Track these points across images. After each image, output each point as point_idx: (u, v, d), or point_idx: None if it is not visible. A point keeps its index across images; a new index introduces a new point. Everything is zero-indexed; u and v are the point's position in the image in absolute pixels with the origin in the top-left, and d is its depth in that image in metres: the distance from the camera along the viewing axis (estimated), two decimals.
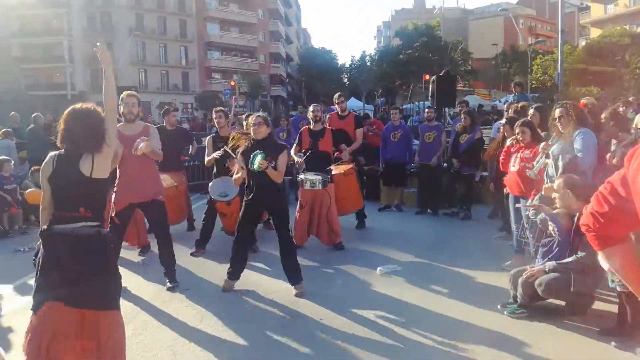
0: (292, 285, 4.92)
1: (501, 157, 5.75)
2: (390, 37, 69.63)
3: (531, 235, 4.69)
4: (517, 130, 5.34)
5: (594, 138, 4.75)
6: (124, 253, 6.31)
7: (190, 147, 8.00)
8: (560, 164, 4.69)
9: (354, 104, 26.26)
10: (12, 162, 8.39)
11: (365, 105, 28.45)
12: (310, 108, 6.71)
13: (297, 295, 4.81)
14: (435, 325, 4.16)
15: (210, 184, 6.49)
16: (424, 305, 4.62)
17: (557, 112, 4.82)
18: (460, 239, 7.04)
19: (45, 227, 2.91)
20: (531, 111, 5.86)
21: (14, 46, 43.67)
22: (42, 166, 3.01)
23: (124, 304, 4.63)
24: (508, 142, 5.62)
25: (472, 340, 3.87)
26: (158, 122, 10.45)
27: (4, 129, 10.00)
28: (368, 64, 56.67)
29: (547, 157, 4.70)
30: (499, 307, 4.50)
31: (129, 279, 5.44)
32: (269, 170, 4.66)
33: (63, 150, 3.00)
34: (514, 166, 5.37)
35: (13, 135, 9.95)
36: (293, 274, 4.93)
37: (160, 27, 47.89)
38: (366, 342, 3.88)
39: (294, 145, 6.74)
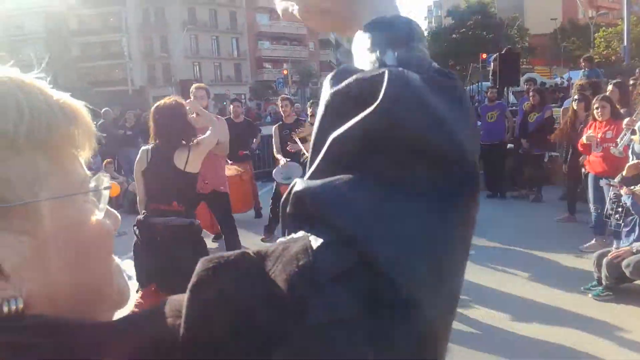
0: None
1: (579, 141, 5.45)
2: (442, 16, 67.72)
3: (618, 216, 4.49)
4: (595, 106, 5.09)
5: None
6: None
7: (255, 140, 8.02)
8: None
9: None
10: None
11: None
12: None
13: None
14: (516, 310, 4.07)
15: (274, 170, 6.59)
16: (501, 289, 4.54)
17: None
18: (532, 222, 6.83)
19: (141, 217, 3.07)
20: (610, 87, 5.57)
21: (73, 45, 45.66)
22: (136, 160, 3.15)
23: None
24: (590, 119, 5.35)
25: (556, 324, 3.77)
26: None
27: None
28: None
29: (633, 133, 4.47)
30: (582, 289, 4.36)
31: None
32: None
33: (154, 143, 3.13)
34: (597, 147, 5.12)
35: None
36: None
37: (211, 19, 48.71)
38: None
39: None
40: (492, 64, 11.83)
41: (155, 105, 3.18)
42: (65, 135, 0.51)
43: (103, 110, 10.83)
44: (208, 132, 3.36)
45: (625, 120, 4.50)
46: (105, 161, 9.40)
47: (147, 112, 12.82)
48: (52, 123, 0.49)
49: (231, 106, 7.70)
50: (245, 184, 7.35)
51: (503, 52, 11.15)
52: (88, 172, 0.54)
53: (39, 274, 0.47)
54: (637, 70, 9.05)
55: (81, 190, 0.52)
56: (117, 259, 0.58)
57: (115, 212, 0.59)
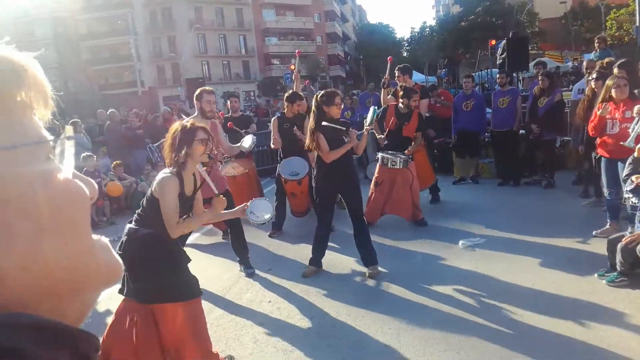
0: (365, 266, 4.83)
1: (591, 121, 5.27)
2: (450, 4, 67.06)
3: (635, 199, 4.33)
4: (615, 84, 4.89)
5: None
6: (203, 239, 6.53)
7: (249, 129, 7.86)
8: None
9: (415, 77, 25.31)
10: (95, 157, 8.80)
11: (428, 77, 27.67)
12: (406, 95, 6.18)
13: (370, 276, 4.72)
14: (528, 299, 3.97)
15: (279, 165, 6.53)
16: (512, 278, 4.42)
17: None
18: (544, 208, 6.68)
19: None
20: (615, 70, 5.37)
21: (83, 49, 46.00)
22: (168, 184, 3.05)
23: (213, 286, 4.81)
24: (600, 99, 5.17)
25: (569, 312, 3.66)
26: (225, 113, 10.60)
27: (73, 120, 10.45)
28: (427, 34, 55.00)
29: None
30: (595, 276, 4.24)
31: (214, 262, 5.62)
32: (365, 136, 4.80)
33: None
34: (612, 129, 4.95)
35: (81, 127, 10.34)
36: (366, 255, 4.83)
37: (218, 18, 48.72)
38: (453, 319, 3.77)
39: (374, 118, 6.47)
40: (499, 49, 11.62)
41: (183, 123, 3.18)
42: (10, 93, 0.50)
43: (109, 111, 10.83)
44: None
45: (636, 108, 4.32)
46: (114, 163, 9.42)
47: (153, 112, 12.88)
48: None
49: (228, 102, 7.67)
50: (251, 181, 7.30)
51: (511, 36, 10.95)
52: (47, 134, 0.53)
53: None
54: None
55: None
56: (104, 237, 0.57)
57: (92, 180, 0.57)
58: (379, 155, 6.19)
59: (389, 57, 7.86)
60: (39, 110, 0.53)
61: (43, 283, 0.47)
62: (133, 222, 3.12)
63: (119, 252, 2.98)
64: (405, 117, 6.20)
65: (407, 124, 6.17)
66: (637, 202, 4.25)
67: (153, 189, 3.06)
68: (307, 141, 4.80)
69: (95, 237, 0.55)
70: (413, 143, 6.18)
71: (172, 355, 3.02)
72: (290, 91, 6.69)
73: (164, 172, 3.07)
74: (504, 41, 11.22)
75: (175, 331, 3.01)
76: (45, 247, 0.47)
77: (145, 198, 3.15)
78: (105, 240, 0.57)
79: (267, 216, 3.61)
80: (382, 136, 6.24)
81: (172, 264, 3.11)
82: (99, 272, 0.54)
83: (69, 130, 0.54)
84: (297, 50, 7.53)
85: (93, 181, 0.56)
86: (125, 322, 3.00)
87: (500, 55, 11.59)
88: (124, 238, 3.07)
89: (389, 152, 6.12)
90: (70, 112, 15.05)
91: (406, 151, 6.05)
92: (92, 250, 0.53)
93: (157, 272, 3.03)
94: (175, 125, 3.17)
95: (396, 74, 7.14)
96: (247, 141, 5.39)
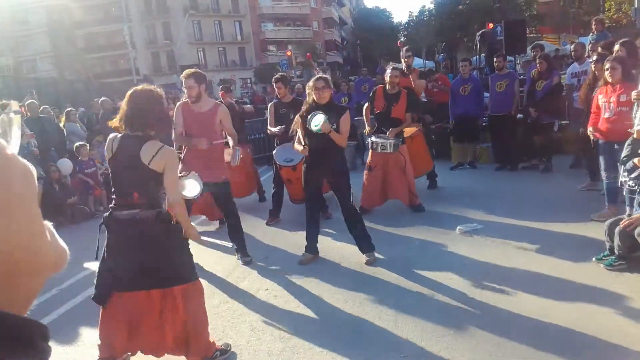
0: (362, 253, 4.80)
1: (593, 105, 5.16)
2: None
3: (631, 183, 4.31)
4: (606, 66, 4.86)
5: None
6: (200, 228, 6.50)
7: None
8: None
9: (414, 61, 25.35)
10: (88, 146, 8.71)
11: (426, 61, 27.50)
12: (388, 72, 6.26)
13: (367, 263, 4.70)
14: (526, 283, 3.95)
15: (274, 151, 6.49)
16: (510, 263, 4.41)
17: None
18: (542, 192, 6.66)
19: (107, 214, 2.99)
20: (617, 47, 5.33)
21: (78, 37, 45.63)
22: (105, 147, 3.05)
23: (210, 275, 4.79)
24: (600, 82, 5.12)
25: (568, 296, 3.66)
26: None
27: (68, 109, 10.36)
28: (426, 18, 54.55)
29: None
30: (593, 259, 4.23)
31: (211, 251, 5.60)
32: (333, 133, 4.51)
33: (123, 132, 2.99)
34: (607, 111, 4.91)
35: (76, 116, 10.24)
36: (362, 242, 4.80)
37: (213, 3, 48.22)
38: (451, 305, 3.75)
39: (366, 104, 6.52)
40: (479, 36, 11.47)
41: (133, 89, 3.02)
42: None
43: (101, 100, 10.71)
44: (189, 180, 3.26)
45: (633, 93, 4.26)
46: None
47: None
48: None
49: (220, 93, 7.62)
50: (247, 167, 7.27)
51: (509, 20, 10.85)
52: None
53: None
54: None
55: None
56: (47, 222, 0.53)
57: (31, 165, 0.52)
58: (369, 140, 6.18)
59: (399, 42, 8.00)
60: None
61: None
62: (128, 209, 2.92)
63: (142, 243, 2.89)
64: (393, 98, 6.19)
65: (396, 104, 6.16)
66: (635, 185, 4.23)
67: (151, 163, 2.88)
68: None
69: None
70: (403, 124, 6.18)
71: (182, 341, 3.03)
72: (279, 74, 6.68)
73: (162, 145, 2.95)
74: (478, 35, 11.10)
75: (193, 309, 3.00)
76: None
77: (136, 179, 2.93)
78: (49, 224, 0.54)
79: (193, 194, 3.39)
80: (368, 128, 6.26)
81: (185, 241, 3.12)
82: (49, 253, 0.51)
83: (14, 105, 0.51)
84: (307, 54, 7.41)
85: (32, 166, 0.53)
86: (140, 313, 2.96)
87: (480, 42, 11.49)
88: (132, 229, 2.90)
89: (380, 135, 6.11)
90: (66, 100, 14.92)
91: (389, 132, 6.04)
92: (43, 230, 0.50)
93: (180, 251, 3.06)
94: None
95: (405, 54, 7.19)
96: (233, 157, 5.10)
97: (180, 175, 3.24)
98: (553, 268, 4.19)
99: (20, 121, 0.51)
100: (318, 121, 4.40)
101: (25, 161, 0.50)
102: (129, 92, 2.99)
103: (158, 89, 3.05)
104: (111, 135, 3.05)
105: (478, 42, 13.05)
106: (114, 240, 2.95)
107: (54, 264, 0.52)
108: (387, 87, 6.24)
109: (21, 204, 0.47)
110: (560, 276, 4.03)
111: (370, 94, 6.49)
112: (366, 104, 6.48)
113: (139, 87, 3.04)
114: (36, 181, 0.51)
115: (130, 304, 2.96)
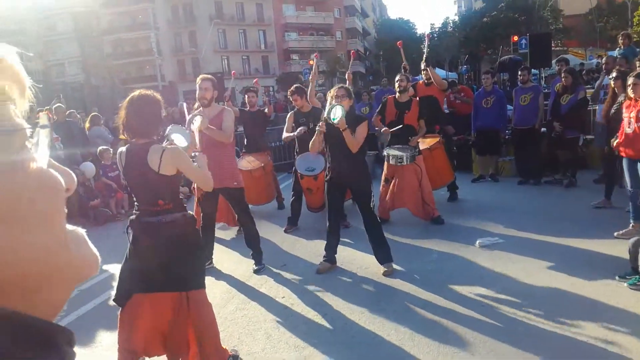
0: (380, 263, 4.77)
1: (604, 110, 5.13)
2: (472, 0, 66.25)
3: None
4: (628, 82, 4.79)
5: None
6: (220, 233, 6.55)
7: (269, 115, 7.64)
8: None
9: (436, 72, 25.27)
10: (111, 150, 8.83)
11: (449, 73, 27.39)
12: (397, 77, 6.44)
13: (385, 274, 4.66)
14: (545, 301, 3.88)
15: (296, 160, 6.52)
16: (531, 280, 4.33)
17: None
18: (565, 208, 6.54)
19: (134, 217, 3.01)
20: (639, 64, 5.25)
21: (105, 43, 46.58)
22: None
23: (227, 281, 4.82)
24: (620, 98, 5.07)
25: (589, 316, 3.57)
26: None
27: (93, 113, 10.51)
28: (450, 30, 54.42)
29: None
30: (617, 278, 4.12)
31: (228, 257, 5.63)
32: (346, 132, 4.52)
33: (129, 143, 3.01)
34: (629, 127, 4.83)
35: (100, 120, 10.33)
36: (380, 252, 4.77)
37: (238, 13, 48.86)
38: (468, 320, 3.70)
39: (375, 113, 6.62)
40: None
41: (130, 95, 2.99)
42: None
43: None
44: (197, 158, 3.23)
45: None
46: None
47: (173, 106, 12.96)
48: None
49: (246, 96, 7.64)
50: (267, 176, 7.31)
51: (535, 33, 10.74)
52: (23, 123, 0.51)
53: None
54: None
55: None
56: (81, 228, 0.55)
57: (69, 170, 0.57)
58: (385, 152, 6.19)
59: (398, 42, 7.97)
60: (15, 100, 0.52)
61: (10, 274, 0.45)
62: (154, 215, 2.92)
63: (167, 249, 2.91)
64: (404, 106, 6.22)
65: (408, 112, 6.18)
66: None
67: (159, 169, 2.86)
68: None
69: (70, 227, 0.53)
70: (418, 133, 6.20)
71: (194, 346, 3.05)
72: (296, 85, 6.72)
73: (163, 148, 2.93)
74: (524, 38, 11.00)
75: (203, 317, 3.03)
76: (12, 238, 0.45)
77: (155, 187, 2.92)
78: (81, 231, 0.55)
79: (183, 145, 3.26)
80: (385, 128, 6.26)
81: (202, 250, 3.17)
82: (71, 264, 0.52)
83: (43, 118, 0.53)
84: (315, 54, 7.40)
85: (70, 171, 0.54)
86: (159, 316, 2.99)
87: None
88: (159, 233, 2.91)
89: (396, 146, 6.12)
90: (92, 104, 15.27)
91: (411, 142, 6.07)
92: (63, 243, 0.51)
93: (199, 257, 3.11)
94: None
95: (422, 67, 7.20)
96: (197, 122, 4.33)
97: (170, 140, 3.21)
98: (574, 285, 4.11)
99: (49, 134, 0.53)
100: (338, 114, 4.43)
101: (54, 174, 0.51)
102: (127, 99, 2.98)
103: (155, 94, 3.03)
104: (119, 149, 3.08)
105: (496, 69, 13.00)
106: (138, 244, 2.97)
107: (80, 273, 0.53)
108: (397, 96, 6.30)
109: (43, 216, 0.48)
110: (582, 294, 3.95)
111: (380, 106, 6.57)
112: (375, 115, 6.56)
113: (136, 92, 3.01)
114: (64, 191, 0.52)
115: (149, 306, 2.99)
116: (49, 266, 0.49)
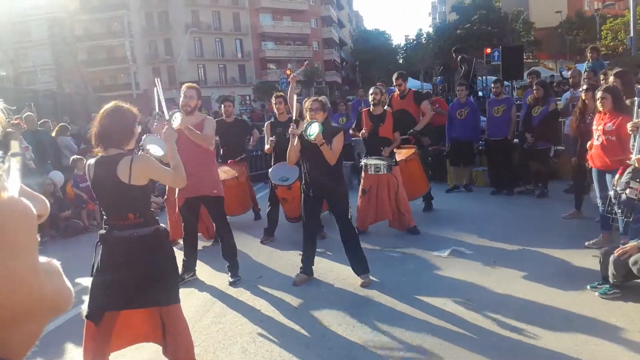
0: (357, 275, 4.77)
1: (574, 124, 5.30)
2: (446, 12, 67.53)
3: (620, 212, 4.34)
4: (597, 96, 4.94)
5: None
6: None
7: (251, 138, 7.76)
8: None
9: (411, 83, 25.28)
10: (84, 160, 8.66)
11: (424, 84, 27.76)
12: (370, 90, 6.52)
13: (362, 285, 4.66)
14: (519, 310, 3.94)
15: (270, 170, 6.50)
16: (504, 288, 4.39)
17: None
18: (537, 218, 6.67)
19: (104, 231, 2.92)
20: (611, 78, 5.40)
21: (79, 50, 45.85)
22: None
23: (201, 294, 4.75)
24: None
25: (561, 326, 3.63)
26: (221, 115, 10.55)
27: (61, 124, 10.30)
28: (424, 42, 55.30)
29: None
30: (588, 288, 4.21)
31: (204, 269, 5.55)
32: (324, 147, 4.52)
33: (98, 156, 2.93)
34: (597, 139, 4.97)
35: (68, 130, 10.11)
36: (357, 264, 4.77)
37: (215, 21, 48.74)
38: (444, 330, 3.73)
39: (351, 127, 6.73)
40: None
41: (103, 108, 2.94)
42: None
43: (93, 115, 10.66)
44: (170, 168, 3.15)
45: (629, 125, 4.27)
46: None
47: (148, 115, 12.80)
48: None
49: (222, 106, 7.62)
50: (242, 186, 7.26)
51: (507, 46, 10.99)
52: None
53: None
54: None
55: None
56: (55, 261, 0.53)
57: (42, 197, 0.54)
58: (362, 162, 6.25)
59: (306, 63, 8.27)
60: None
61: None
62: (125, 230, 2.85)
63: (146, 262, 2.84)
64: (379, 119, 6.30)
65: (382, 124, 6.26)
66: (619, 214, 4.24)
67: (132, 180, 2.79)
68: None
69: (43, 259, 0.51)
70: (423, 119, 6.49)
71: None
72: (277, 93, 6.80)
73: (132, 157, 2.86)
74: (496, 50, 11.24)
75: (177, 332, 2.97)
76: None
77: (125, 200, 2.85)
78: (55, 263, 0.53)
79: (159, 154, 3.23)
80: (364, 131, 6.36)
81: (176, 264, 3.10)
82: (45, 296, 0.49)
83: (14, 146, 0.51)
84: (306, 62, 7.49)
85: (44, 198, 0.52)
86: (131, 331, 2.94)
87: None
88: (130, 247, 2.84)
89: (373, 157, 6.18)
90: (65, 113, 14.94)
91: (383, 152, 6.16)
92: (34, 274, 0.49)
93: (173, 272, 3.04)
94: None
95: (396, 82, 7.29)
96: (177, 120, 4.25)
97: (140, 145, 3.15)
98: (547, 294, 4.18)
99: (21, 163, 0.51)
100: (314, 130, 4.43)
101: (26, 202, 0.49)
102: (100, 111, 2.92)
103: (129, 106, 2.99)
104: (88, 162, 3.00)
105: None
106: (109, 258, 2.87)
107: (54, 307, 0.51)
108: (371, 109, 6.39)
109: (12, 246, 0.46)
110: (554, 303, 4.02)
111: (355, 120, 6.69)
112: (352, 130, 6.65)
113: (109, 104, 2.96)
114: (35, 220, 0.50)
115: (120, 323, 2.93)
116: (20, 297, 0.47)
